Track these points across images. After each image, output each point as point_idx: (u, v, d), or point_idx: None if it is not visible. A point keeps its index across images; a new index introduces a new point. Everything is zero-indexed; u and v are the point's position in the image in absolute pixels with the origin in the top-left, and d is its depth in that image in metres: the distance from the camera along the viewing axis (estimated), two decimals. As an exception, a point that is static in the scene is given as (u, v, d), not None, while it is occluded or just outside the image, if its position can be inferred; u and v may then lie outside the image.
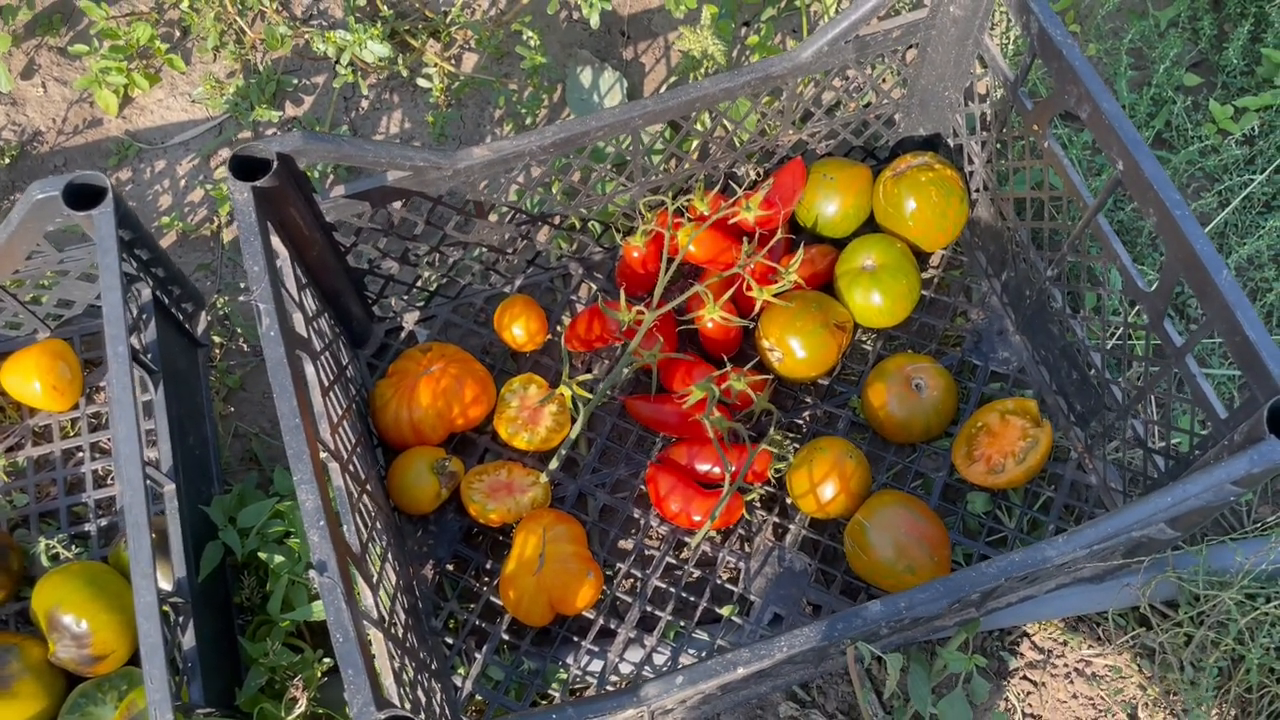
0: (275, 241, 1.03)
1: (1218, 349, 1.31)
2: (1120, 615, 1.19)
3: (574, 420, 1.24)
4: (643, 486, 1.24)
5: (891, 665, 1.02)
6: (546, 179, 1.20)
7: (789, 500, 1.22)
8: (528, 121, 1.49)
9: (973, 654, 1.14)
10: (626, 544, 1.23)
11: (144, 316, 1.13)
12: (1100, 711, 1.16)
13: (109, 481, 1.26)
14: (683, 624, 1.18)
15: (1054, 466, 1.22)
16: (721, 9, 1.46)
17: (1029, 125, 1.12)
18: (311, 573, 1.08)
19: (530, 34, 1.42)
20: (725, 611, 1.19)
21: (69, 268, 1.19)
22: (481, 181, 1.16)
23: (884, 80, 1.28)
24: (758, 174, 1.35)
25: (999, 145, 1.21)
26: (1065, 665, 1.18)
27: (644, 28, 1.57)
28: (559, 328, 1.33)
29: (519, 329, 1.27)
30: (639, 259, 1.28)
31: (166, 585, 1.03)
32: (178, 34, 1.55)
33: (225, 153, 1.48)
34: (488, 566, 1.20)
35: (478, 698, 1.15)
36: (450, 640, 1.16)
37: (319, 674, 1.09)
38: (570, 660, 1.16)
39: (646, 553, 1.22)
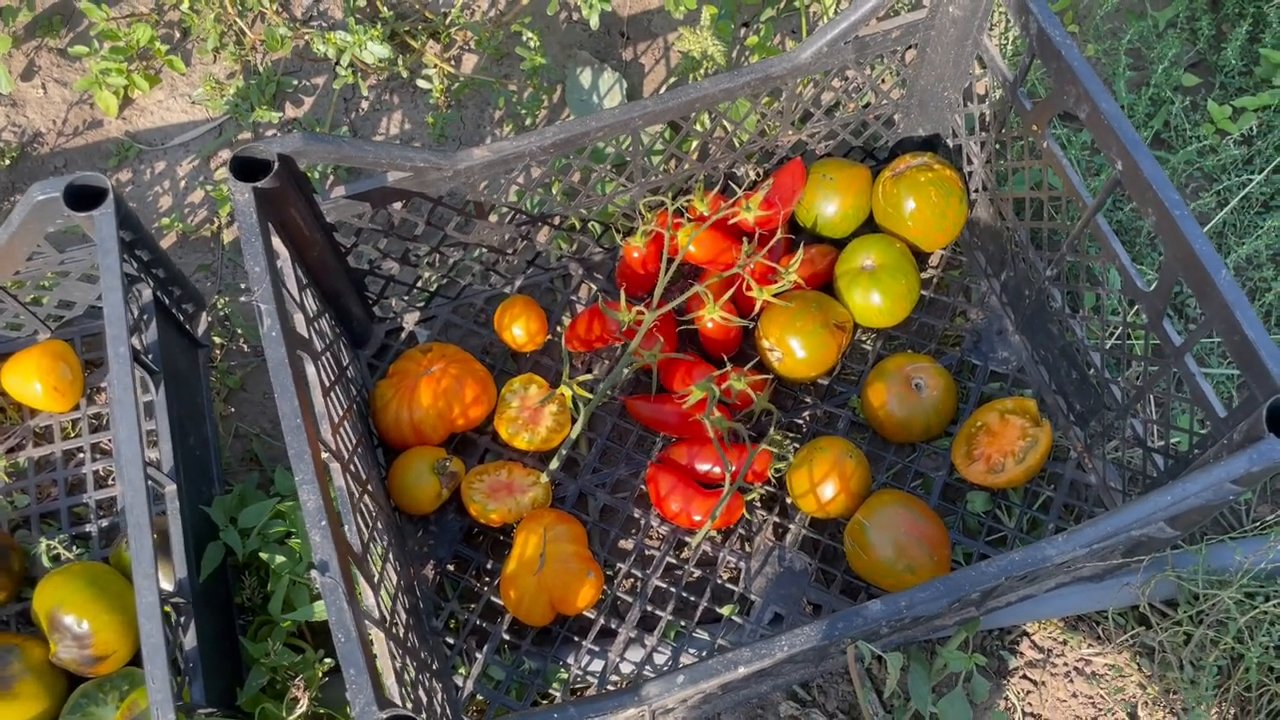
0: (276, 242, 1.03)
1: (1216, 348, 1.31)
2: (1120, 614, 1.19)
3: (574, 420, 1.24)
4: (643, 486, 1.24)
5: (892, 664, 1.03)
6: (546, 179, 1.21)
7: (789, 500, 1.22)
8: (528, 122, 1.50)
9: (973, 653, 1.14)
10: (627, 544, 1.24)
11: (145, 317, 1.14)
12: (1100, 710, 1.16)
13: (110, 482, 1.26)
14: (683, 624, 1.18)
15: (1053, 466, 1.22)
16: (721, 10, 1.46)
17: (1028, 125, 1.12)
18: (313, 573, 1.08)
19: (530, 35, 1.42)
20: (726, 611, 1.19)
21: (70, 269, 1.20)
22: (481, 182, 1.16)
23: (883, 81, 1.28)
24: (757, 174, 1.35)
25: (998, 145, 1.21)
26: (1065, 664, 1.18)
27: (643, 29, 1.57)
28: (559, 328, 1.33)
29: (519, 329, 1.28)
30: (639, 259, 1.28)
31: (168, 585, 1.03)
32: (178, 35, 1.55)
33: (225, 154, 1.49)
34: (488, 566, 1.21)
35: (479, 697, 1.15)
36: (451, 640, 1.17)
37: (320, 674, 1.09)
38: (571, 660, 1.16)
39: (647, 552, 1.22)
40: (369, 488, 1.08)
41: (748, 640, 1.16)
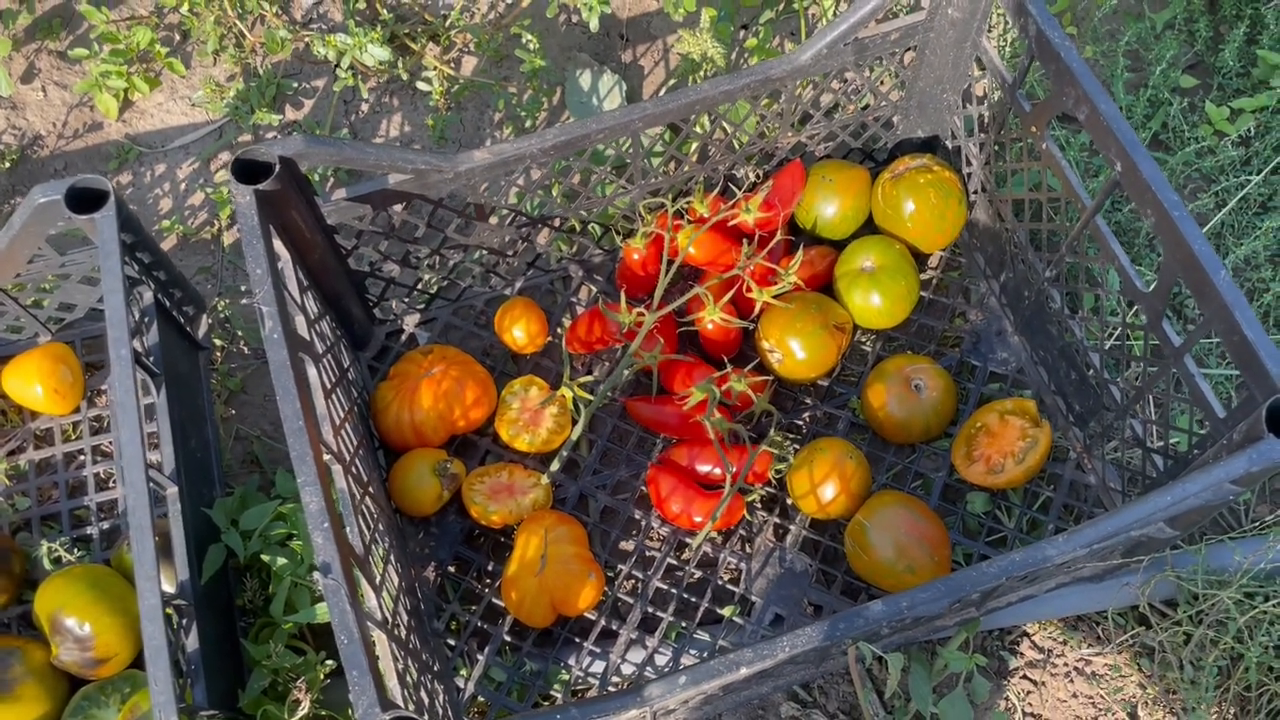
0: (277, 244, 1.03)
1: (1215, 349, 1.31)
2: (1120, 614, 1.19)
3: (575, 422, 1.24)
4: (644, 488, 1.24)
5: (893, 665, 1.03)
6: (546, 181, 1.21)
7: (789, 501, 1.22)
8: (527, 124, 1.50)
9: (973, 653, 1.14)
10: (628, 545, 1.24)
11: (146, 319, 1.14)
12: (1100, 710, 1.16)
13: (111, 484, 1.26)
14: (684, 625, 1.18)
15: (1053, 466, 1.22)
16: (720, 12, 1.47)
17: (1027, 127, 1.12)
18: (315, 575, 1.08)
19: (529, 37, 1.43)
20: (726, 612, 1.19)
21: (70, 271, 1.20)
22: (482, 184, 1.16)
23: (882, 82, 1.29)
24: (757, 176, 1.35)
25: (997, 147, 1.22)
26: (1065, 664, 1.18)
27: (643, 31, 1.57)
28: (559, 330, 1.34)
29: (519, 331, 1.28)
30: (639, 261, 1.28)
31: (170, 588, 1.04)
32: (178, 38, 1.56)
33: (225, 156, 1.49)
34: (489, 568, 1.21)
35: (480, 699, 1.15)
36: (452, 642, 1.17)
37: (322, 676, 1.09)
38: (572, 661, 1.16)
39: (648, 554, 1.22)
40: (370, 489, 1.08)
41: (749, 641, 1.16)
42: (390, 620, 0.96)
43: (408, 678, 0.94)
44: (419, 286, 1.30)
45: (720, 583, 1.20)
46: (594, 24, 1.37)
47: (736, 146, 1.27)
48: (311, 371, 1.00)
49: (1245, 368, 0.91)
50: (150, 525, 0.91)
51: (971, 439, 1.20)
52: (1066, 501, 1.21)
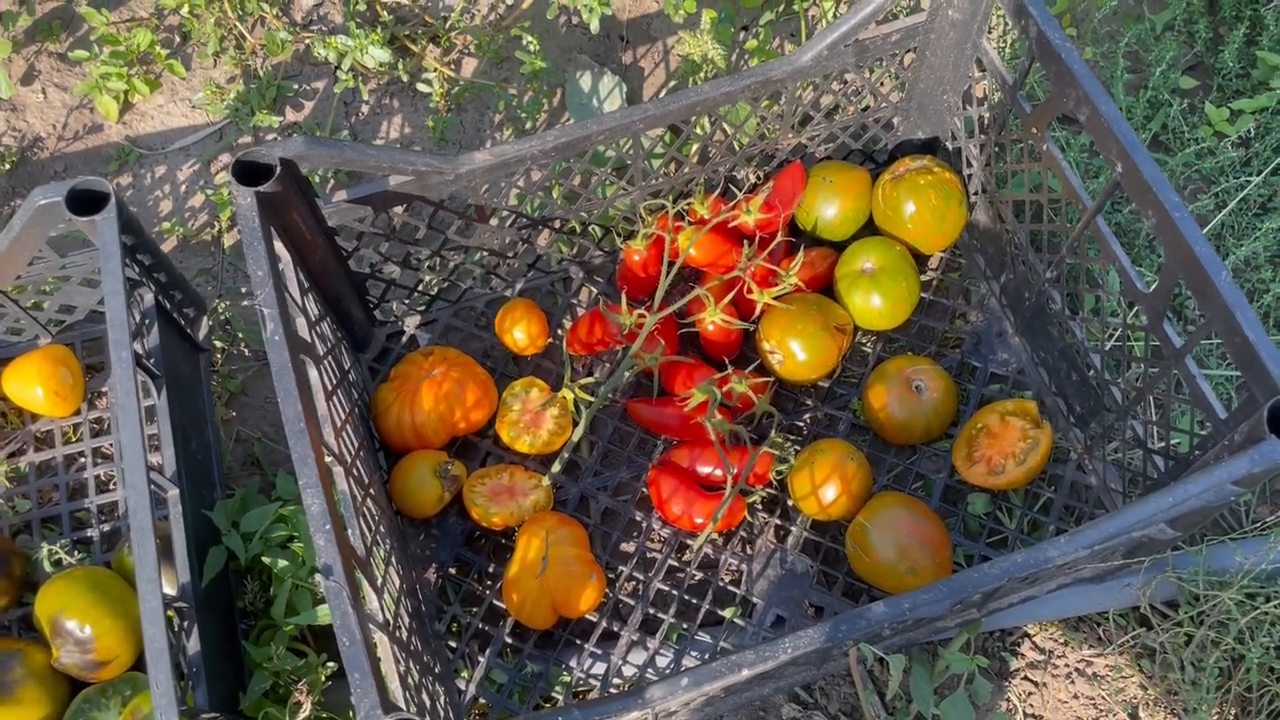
0: (278, 246, 1.03)
1: (1215, 349, 1.31)
2: (1121, 615, 1.19)
3: (576, 424, 1.24)
4: (644, 489, 1.24)
5: (894, 666, 1.03)
6: (547, 183, 1.21)
7: (790, 502, 1.22)
8: (528, 126, 1.50)
9: (974, 654, 1.14)
10: (628, 547, 1.24)
11: (147, 321, 1.14)
12: (1101, 711, 1.16)
13: (111, 487, 1.26)
14: (685, 626, 1.18)
15: (1054, 467, 1.22)
16: (720, 14, 1.47)
17: (1027, 128, 1.13)
18: (317, 577, 1.08)
19: (530, 39, 1.43)
20: (728, 614, 1.19)
21: (71, 273, 1.20)
22: (483, 186, 1.16)
23: (882, 84, 1.29)
24: (757, 177, 1.35)
25: (997, 148, 1.22)
26: (1066, 665, 1.18)
27: (643, 32, 1.57)
28: (560, 331, 1.34)
29: (520, 333, 1.28)
30: (640, 262, 1.28)
31: (171, 590, 1.03)
32: (178, 39, 1.56)
33: (226, 158, 1.49)
34: (490, 570, 1.21)
35: (481, 701, 1.15)
36: (453, 644, 1.17)
37: (323, 678, 1.09)
38: (573, 663, 1.16)
39: (648, 555, 1.22)
40: (371, 491, 1.08)
41: (750, 643, 1.16)
42: (392, 622, 0.96)
43: (409, 680, 0.94)
44: (419, 288, 1.30)
45: (721, 584, 1.20)
46: (594, 26, 1.37)
47: (737, 148, 1.27)
48: (313, 373, 1.00)
49: (1246, 369, 0.91)
50: (151, 527, 0.91)
51: (972, 440, 1.20)
52: (1067, 502, 1.21)
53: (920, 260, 1.34)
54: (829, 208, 1.31)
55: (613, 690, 1.15)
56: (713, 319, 1.22)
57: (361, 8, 1.54)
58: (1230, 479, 0.86)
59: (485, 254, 1.29)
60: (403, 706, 0.89)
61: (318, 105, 1.51)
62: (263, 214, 0.97)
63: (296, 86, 1.52)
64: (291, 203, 1.03)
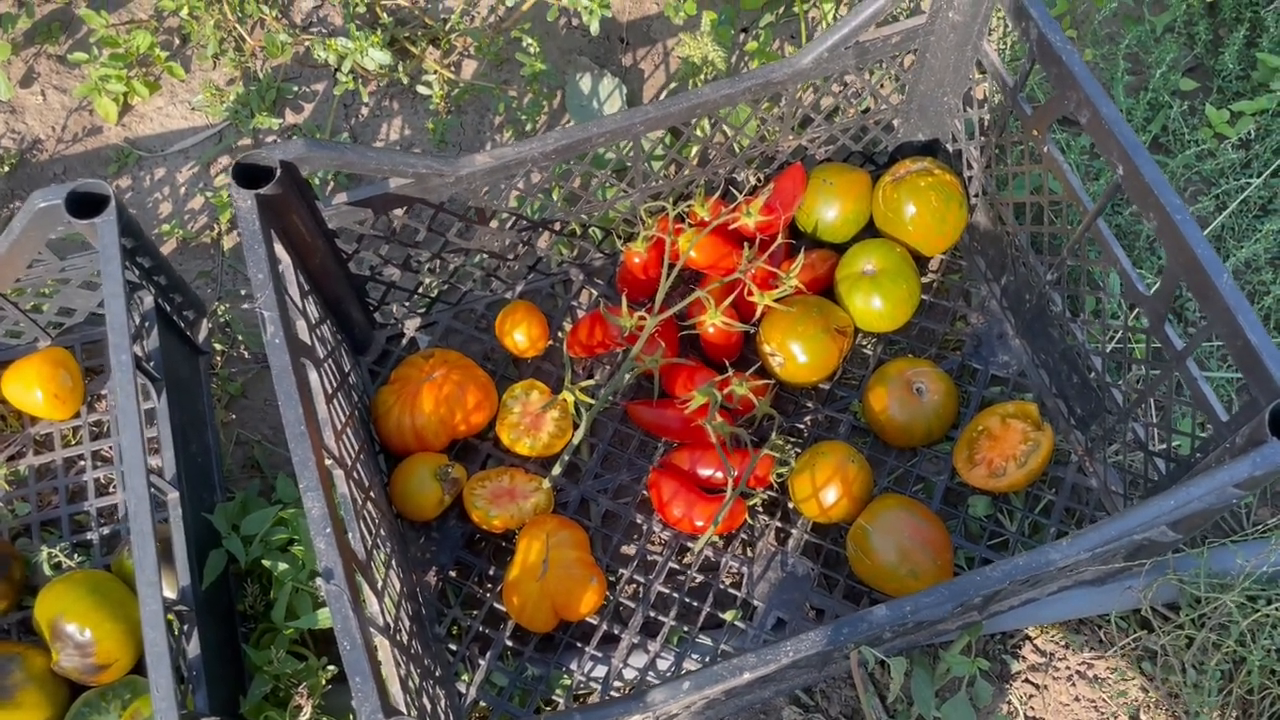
0: (278, 249, 1.03)
1: (1215, 351, 1.31)
2: (1122, 618, 1.19)
3: (576, 426, 1.24)
4: (645, 492, 1.24)
5: (895, 669, 1.03)
6: (547, 185, 1.21)
7: (791, 505, 1.22)
8: (528, 128, 1.50)
9: (975, 657, 1.14)
10: (629, 549, 1.24)
11: (146, 324, 1.13)
12: (1103, 714, 1.16)
13: (111, 490, 1.26)
14: (686, 629, 1.18)
15: (1055, 470, 1.22)
16: (720, 15, 1.47)
17: (1028, 130, 1.12)
18: (318, 580, 1.08)
19: (530, 41, 1.42)
20: (728, 616, 1.19)
21: (70, 276, 1.19)
22: (483, 188, 1.16)
23: (883, 86, 1.29)
24: (758, 179, 1.35)
25: (998, 150, 1.22)
26: (1067, 668, 1.18)
27: (643, 34, 1.57)
28: (560, 334, 1.34)
29: (520, 335, 1.28)
30: (640, 265, 1.28)
31: (171, 594, 1.03)
32: (177, 42, 1.55)
33: (225, 160, 1.49)
34: (490, 573, 1.20)
35: (482, 704, 1.15)
36: (454, 647, 1.16)
37: (323, 681, 1.09)
38: (574, 666, 1.16)
39: (649, 558, 1.22)
40: (372, 494, 1.08)
41: (751, 645, 1.16)
42: (392, 626, 0.96)
43: (410, 683, 0.94)
44: (420, 290, 1.30)
45: (722, 587, 1.20)
46: (594, 27, 1.37)
47: (737, 150, 1.27)
48: (313, 376, 1.00)
49: (1248, 371, 0.91)
50: (152, 531, 0.91)
51: (973, 442, 1.20)
52: (1068, 505, 1.21)
53: (921, 262, 1.34)
54: (829, 210, 1.31)
55: (613, 693, 1.15)
56: (713, 321, 1.22)
57: (361, 10, 1.53)
58: (1232, 482, 0.86)
59: (485, 256, 1.29)
60: (404, 710, 0.89)
61: (317, 107, 1.51)
62: (263, 217, 0.97)
63: (296, 88, 1.52)
64: (292, 205, 1.03)
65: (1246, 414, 0.92)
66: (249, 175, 0.99)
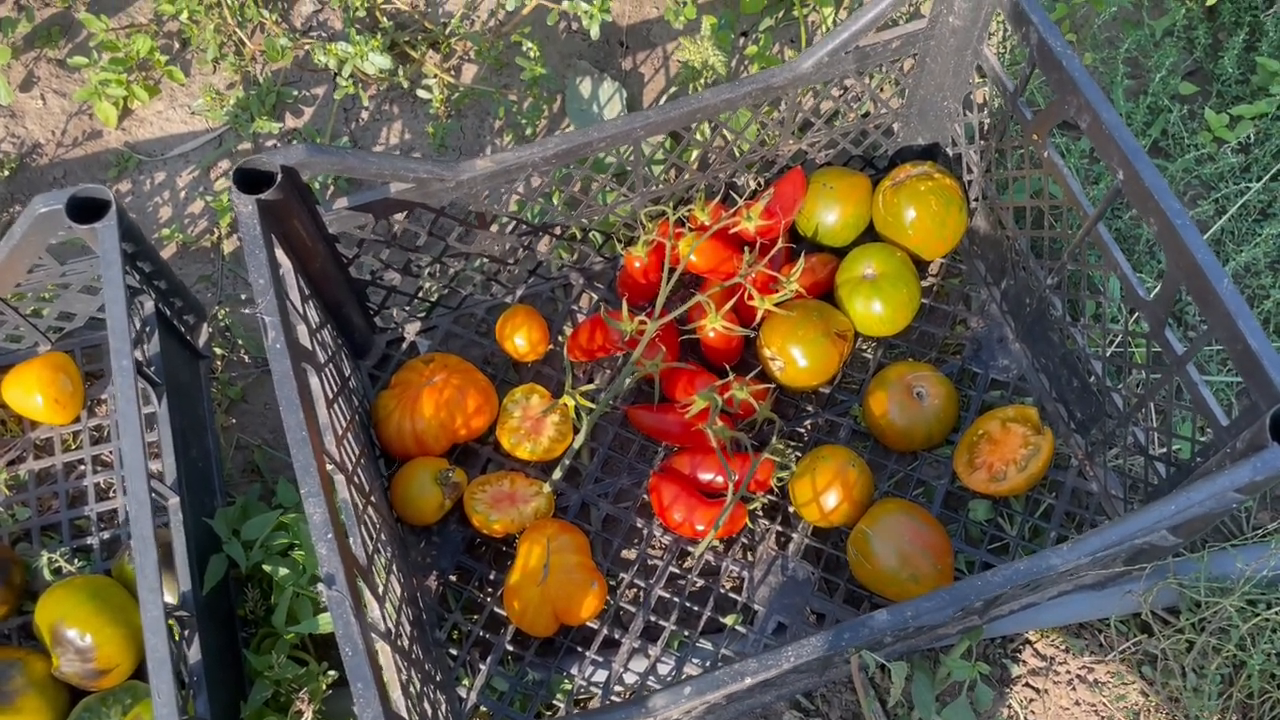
0: (279, 253, 1.03)
1: (1215, 355, 1.31)
2: (1122, 622, 1.19)
3: (577, 430, 1.24)
4: (646, 496, 1.24)
5: (896, 674, 1.03)
6: (547, 189, 1.21)
7: (792, 509, 1.22)
8: (528, 132, 1.50)
9: (976, 661, 1.14)
10: (630, 553, 1.24)
11: (147, 329, 1.13)
12: (1103, 718, 1.16)
13: (111, 494, 1.26)
14: (687, 633, 1.18)
15: (1055, 474, 1.22)
16: (720, 19, 1.47)
17: (1028, 135, 1.13)
18: (319, 586, 1.08)
19: (530, 45, 1.43)
20: (729, 620, 1.19)
21: (71, 281, 1.19)
22: (483, 193, 1.16)
23: (882, 90, 1.29)
24: (758, 184, 1.35)
25: (997, 154, 1.22)
26: (1068, 672, 1.18)
27: (643, 38, 1.57)
28: (560, 338, 1.34)
29: (521, 339, 1.28)
30: (640, 269, 1.28)
31: (171, 599, 1.03)
32: (177, 46, 1.55)
33: (225, 164, 1.49)
34: (491, 577, 1.20)
35: (482, 709, 1.15)
36: (454, 651, 1.16)
37: (324, 686, 1.09)
38: (575, 670, 1.16)
39: (650, 562, 1.22)
40: (372, 499, 1.08)
41: (751, 650, 1.16)
42: (394, 631, 0.96)
43: (411, 689, 0.94)
44: (420, 295, 1.30)
45: (723, 591, 1.20)
46: (594, 32, 1.37)
47: (737, 154, 1.28)
48: (314, 381, 1.00)
49: (1249, 376, 0.91)
50: (153, 536, 0.91)
51: (973, 446, 1.20)
52: (1068, 509, 1.21)
53: (921, 266, 1.34)
54: (830, 214, 1.31)
55: (614, 698, 1.15)
56: (713, 326, 1.22)
57: (361, 14, 1.54)
58: (1233, 487, 0.86)
59: (486, 260, 1.29)
60: (405, 715, 0.89)
61: (318, 111, 1.51)
62: (264, 222, 0.97)
63: (296, 93, 1.52)
64: (293, 210, 1.03)
65: (1247, 419, 0.92)
66: (250, 180, 0.99)
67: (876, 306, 1.26)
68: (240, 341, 1.36)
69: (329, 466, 0.94)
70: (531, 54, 1.43)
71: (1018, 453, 1.17)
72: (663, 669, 1.16)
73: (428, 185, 1.11)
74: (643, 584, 1.20)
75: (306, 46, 1.51)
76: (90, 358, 1.31)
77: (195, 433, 1.19)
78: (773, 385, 1.25)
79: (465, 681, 1.15)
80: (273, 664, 1.07)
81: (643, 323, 1.23)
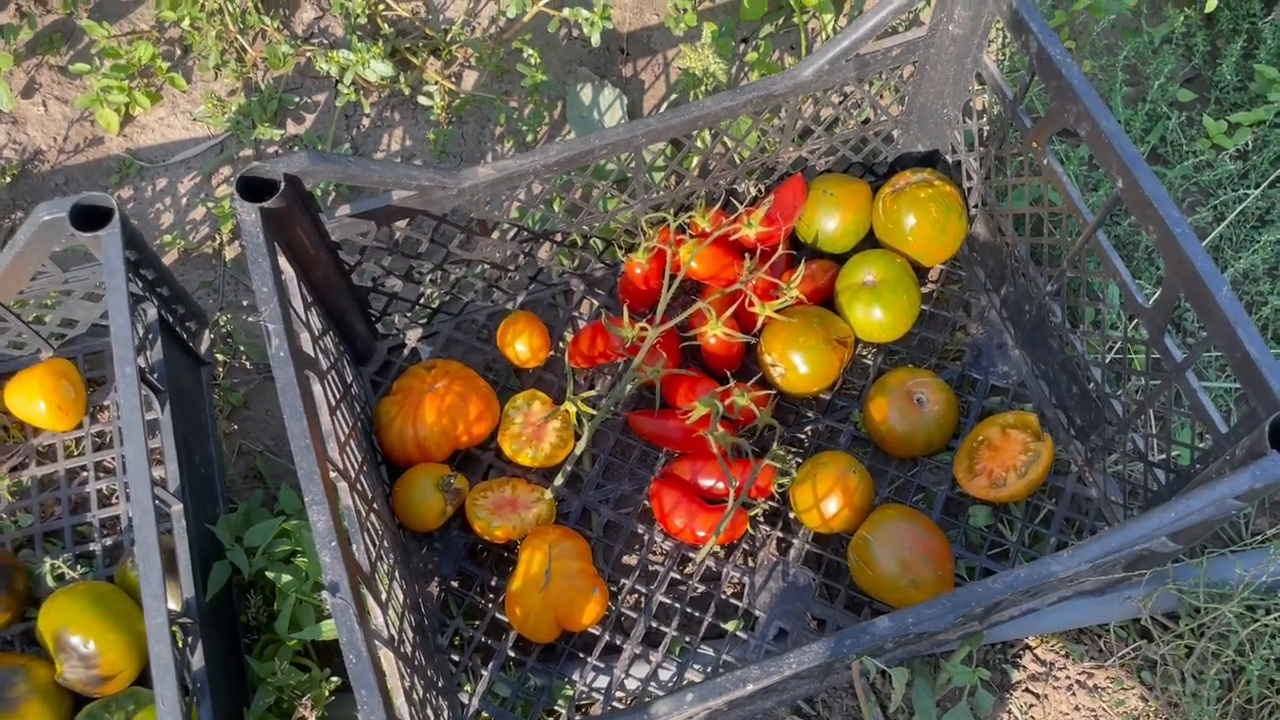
0: (282, 261, 1.03)
1: (1214, 361, 1.32)
2: (1121, 627, 1.20)
3: (578, 436, 1.24)
4: (647, 502, 1.24)
5: (897, 679, 1.03)
6: (548, 196, 1.21)
7: (792, 515, 1.22)
8: (528, 139, 1.50)
9: (976, 667, 1.15)
10: (631, 559, 1.24)
11: (150, 336, 1.14)
12: (1103, 723, 1.16)
13: (113, 501, 1.26)
14: (688, 639, 1.18)
15: (1054, 480, 1.23)
16: (721, 27, 1.47)
17: (1028, 142, 1.13)
18: (323, 593, 1.08)
19: (530, 52, 1.43)
20: (730, 626, 1.19)
21: (73, 287, 1.20)
22: (485, 200, 1.17)
23: (882, 97, 1.29)
24: (758, 190, 1.36)
25: (997, 161, 1.22)
26: (1067, 677, 1.19)
27: (643, 45, 1.58)
28: (561, 344, 1.34)
29: (522, 345, 1.28)
30: (641, 275, 1.29)
31: (175, 606, 1.03)
32: (179, 52, 1.56)
33: (227, 170, 1.49)
34: (492, 583, 1.21)
35: (484, 715, 1.15)
36: (456, 657, 1.17)
37: (326, 693, 1.09)
38: (576, 676, 1.16)
39: (651, 568, 1.23)
40: (375, 506, 1.08)
41: (753, 655, 1.17)
42: (396, 638, 0.96)
43: (414, 695, 0.95)
44: (421, 301, 1.31)
45: (723, 597, 1.21)
46: (595, 38, 1.38)
47: (738, 161, 1.28)
48: (316, 388, 1.00)
49: (1248, 384, 0.92)
50: (156, 543, 0.91)
51: (973, 452, 1.21)
52: (1068, 515, 1.21)
53: (920, 273, 1.34)
54: (830, 220, 1.32)
55: (616, 703, 1.15)
56: (714, 332, 1.23)
57: (362, 21, 1.54)
58: (1232, 494, 0.86)
59: (487, 267, 1.29)
60: (408, 722, 0.89)
61: (319, 118, 1.52)
62: (267, 230, 0.98)
63: (297, 99, 1.53)
64: (295, 218, 1.03)
65: (1246, 426, 0.93)
66: (253, 188, 0.99)
67: (877, 313, 1.26)
68: (242, 348, 1.37)
69: (332, 474, 0.95)
70: (532, 61, 1.43)
71: (1018, 459, 1.18)
72: (664, 675, 1.17)
73: (430, 193, 1.11)
74: (644, 590, 1.21)
75: (308, 53, 1.51)
76: (92, 364, 1.31)
77: (198, 439, 1.19)
78: (773, 391, 1.25)
79: (467, 687, 1.15)
80: (275, 670, 1.08)
81: (644, 329, 1.24)
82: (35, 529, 1.23)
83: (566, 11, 1.39)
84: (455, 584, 1.21)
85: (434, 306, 1.33)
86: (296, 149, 1.49)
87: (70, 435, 1.28)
